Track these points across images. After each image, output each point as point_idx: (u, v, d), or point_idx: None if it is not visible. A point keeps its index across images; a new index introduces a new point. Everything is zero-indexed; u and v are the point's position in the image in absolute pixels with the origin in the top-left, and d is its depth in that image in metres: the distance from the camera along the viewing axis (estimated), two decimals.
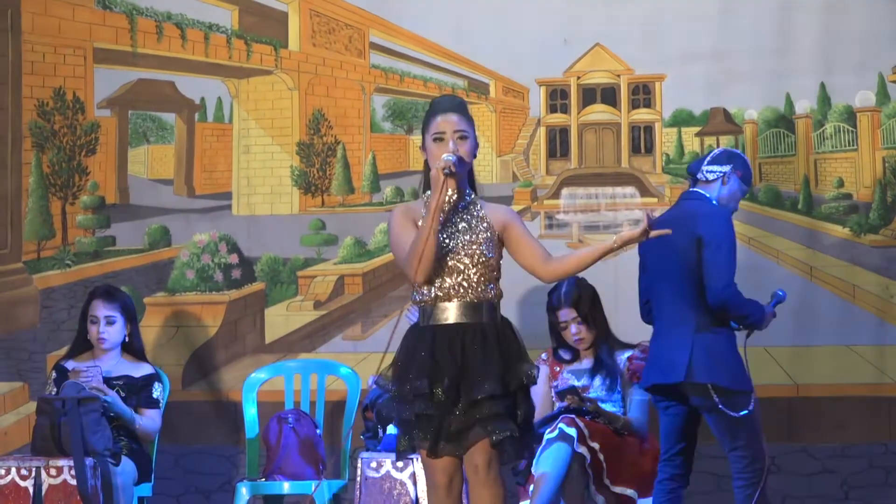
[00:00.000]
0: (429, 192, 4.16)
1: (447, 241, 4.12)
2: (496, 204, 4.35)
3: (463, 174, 4.16)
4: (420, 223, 4.11)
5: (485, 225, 4.17)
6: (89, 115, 6.92)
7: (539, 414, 5.42)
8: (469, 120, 4.21)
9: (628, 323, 5.90)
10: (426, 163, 4.23)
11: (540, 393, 5.51)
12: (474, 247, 4.13)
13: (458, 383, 4.02)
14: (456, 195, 4.17)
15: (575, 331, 5.50)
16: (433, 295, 4.12)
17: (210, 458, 6.59)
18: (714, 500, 6.13)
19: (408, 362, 4.10)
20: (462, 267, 4.11)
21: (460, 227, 4.16)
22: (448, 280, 4.11)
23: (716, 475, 6.14)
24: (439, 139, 4.15)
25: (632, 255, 6.48)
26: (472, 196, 4.24)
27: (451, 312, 4.10)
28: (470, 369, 4.03)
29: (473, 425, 4.02)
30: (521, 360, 4.10)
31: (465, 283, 4.10)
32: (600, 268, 6.27)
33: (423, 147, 4.23)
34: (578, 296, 5.50)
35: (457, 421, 4.02)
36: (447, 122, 4.16)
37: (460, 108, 4.22)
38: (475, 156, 4.23)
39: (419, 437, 4.06)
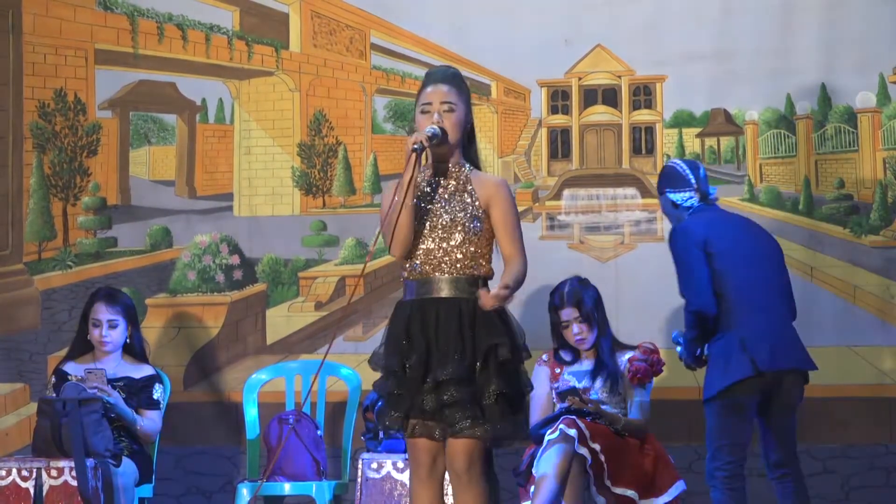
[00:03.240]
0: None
1: (430, 216, 4.06)
2: (488, 175, 4.21)
3: (450, 147, 4.09)
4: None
5: (470, 200, 4.08)
6: (90, 116, 6.92)
7: (540, 415, 5.43)
8: (461, 91, 4.14)
9: (629, 324, 5.92)
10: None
11: (541, 394, 5.51)
12: (457, 223, 4.06)
13: (427, 359, 3.95)
14: (429, 170, 4.11)
15: (577, 330, 5.50)
16: (417, 270, 4.06)
17: (211, 458, 6.60)
18: None
19: (388, 338, 4.06)
20: (445, 243, 4.04)
21: (444, 203, 4.09)
22: (431, 256, 4.05)
23: None
24: (426, 111, 4.10)
25: (633, 256, 6.51)
26: (465, 168, 4.15)
27: (432, 287, 4.03)
28: (438, 346, 3.96)
29: (441, 412, 3.94)
30: (494, 336, 3.97)
31: (448, 259, 4.04)
32: (601, 269, 6.32)
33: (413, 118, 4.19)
34: (581, 295, 5.50)
35: (429, 401, 3.94)
36: (435, 93, 4.11)
37: (452, 78, 4.16)
38: (468, 126, 4.16)
39: (391, 418, 4.00)
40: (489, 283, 4.10)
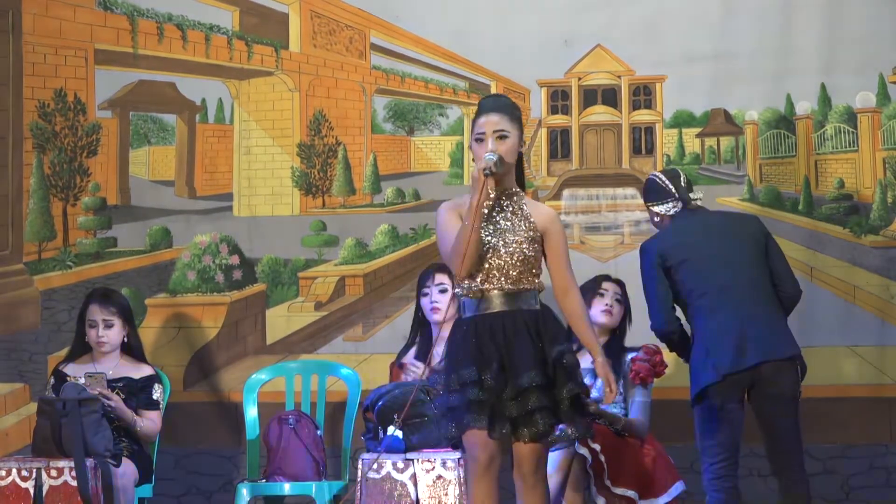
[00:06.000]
0: None
1: (489, 238, 4.27)
2: (542, 206, 4.48)
3: (505, 173, 4.28)
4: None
5: (528, 224, 4.30)
6: (90, 116, 6.92)
7: None
8: (512, 118, 4.34)
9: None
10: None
11: None
12: (514, 245, 4.27)
13: (504, 369, 4.18)
14: (494, 193, 4.29)
15: (609, 303, 5.55)
16: (474, 289, 4.27)
17: (211, 458, 6.60)
18: None
19: (455, 353, 4.25)
20: (503, 264, 4.25)
21: (503, 224, 4.30)
22: (489, 275, 4.25)
23: None
24: (480, 139, 4.31)
25: (633, 256, 6.49)
26: (518, 193, 4.37)
27: (491, 303, 4.25)
28: (513, 357, 4.19)
29: (526, 419, 4.15)
30: (560, 344, 4.23)
31: (505, 279, 4.25)
32: (601, 269, 6.32)
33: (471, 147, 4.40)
34: (624, 286, 5.64)
35: (511, 407, 4.16)
36: (488, 123, 4.31)
37: (503, 107, 4.36)
38: (521, 152, 4.36)
39: (474, 420, 4.16)
40: (539, 295, 4.32)
